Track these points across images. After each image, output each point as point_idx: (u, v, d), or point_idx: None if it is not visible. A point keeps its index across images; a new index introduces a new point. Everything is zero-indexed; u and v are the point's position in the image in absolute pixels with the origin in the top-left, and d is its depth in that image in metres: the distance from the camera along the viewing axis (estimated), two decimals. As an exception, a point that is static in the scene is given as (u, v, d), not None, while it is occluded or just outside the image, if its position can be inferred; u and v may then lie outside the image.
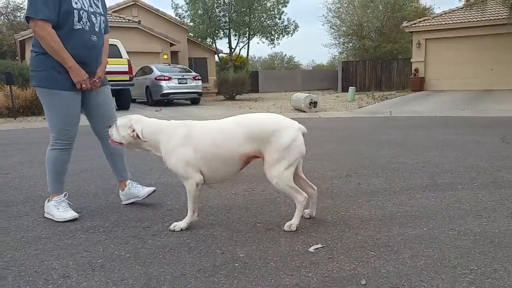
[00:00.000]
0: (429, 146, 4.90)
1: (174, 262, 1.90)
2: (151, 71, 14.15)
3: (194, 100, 14.66)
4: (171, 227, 2.32)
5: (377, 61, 20.97)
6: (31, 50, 2.56)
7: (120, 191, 2.89)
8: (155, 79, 13.63)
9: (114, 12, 18.51)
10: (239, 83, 16.40)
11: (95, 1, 2.64)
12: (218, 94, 19.94)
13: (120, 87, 11.57)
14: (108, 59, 10.34)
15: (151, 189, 2.88)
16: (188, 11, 18.40)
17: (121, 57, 11.61)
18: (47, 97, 2.52)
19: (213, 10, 18.10)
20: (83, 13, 2.50)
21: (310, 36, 65.49)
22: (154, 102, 13.73)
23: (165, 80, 13.52)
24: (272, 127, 2.20)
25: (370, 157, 4.34)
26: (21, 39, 16.49)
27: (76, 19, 2.46)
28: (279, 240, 2.15)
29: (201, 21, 17.95)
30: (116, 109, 12.08)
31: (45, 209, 2.63)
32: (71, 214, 2.53)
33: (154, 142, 2.33)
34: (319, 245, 2.06)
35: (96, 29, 2.61)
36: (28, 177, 3.74)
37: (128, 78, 11.75)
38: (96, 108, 2.73)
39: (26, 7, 2.45)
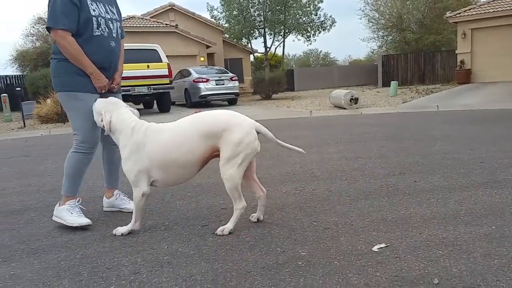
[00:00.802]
0: (485, 141, 4.67)
1: (237, 260, 1.92)
2: (189, 73, 14.42)
3: (231, 100, 14.80)
4: (114, 231, 2.38)
5: (419, 54, 20.25)
6: (51, 58, 2.63)
7: (105, 197, 2.92)
8: (193, 81, 13.87)
9: (152, 17, 19.05)
10: (275, 82, 16.37)
11: (111, 8, 2.71)
12: (254, 94, 20.03)
13: (161, 90, 11.90)
14: (149, 64, 10.64)
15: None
16: (223, 13, 18.58)
17: (161, 61, 11.91)
18: (72, 100, 2.58)
19: (248, 10, 18.17)
20: (101, 19, 2.57)
21: (346, 31, 64.41)
22: (193, 104, 13.99)
23: (203, 82, 13.73)
24: (223, 124, 2.21)
25: (422, 154, 4.20)
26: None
27: (95, 26, 2.54)
28: (339, 239, 2.12)
29: (236, 22, 18.07)
30: (157, 112, 12.56)
31: (55, 212, 2.63)
32: (86, 220, 2.53)
33: (115, 138, 2.41)
34: (383, 245, 2.01)
35: (114, 35, 2.68)
36: (86, 179, 3.91)
37: (168, 82, 12.04)
38: None
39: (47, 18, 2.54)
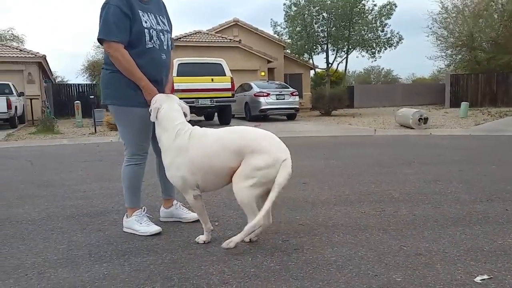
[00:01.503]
0: None
1: (327, 280, 1.85)
2: (250, 87, 14.64)
3: (291, 115, 14.79)
4: (196, 239, 2.41)
5: (492, 74, 19.08)
6: (103, 68, 2.63)
7: (162, 207, 2.91)
8: (254, 95, 14.05)
9: (217, 32, 19.72)
10: (336, 98, 16.15)
11: (161, 19, 2.65)
12: (312, 109, 19.89)
13: (223, 103, 12.20)
14: (213, 77, 10.92)
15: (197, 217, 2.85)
16: (287, 28, 18.77)
17: (225, 75, 12.24)
18: (123, 114, 2.59)
19: (312, 26, 18.22)
20: (153, 31, 2.54)
21: (410, 48, 62.18)
22: (253, 118, 14.16)
23: (263, 96, 13.86)
24: (252, 146, 2.17)
25: (509, 180, 3.87)
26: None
27: (147, 38, 2.51)
28: (435, 266, 1.97)
29: (299, 37, 18.17)
30: (218, 124, 12.85)
31: (124, 224, 2.69)
32: (155, 228, 2.58)
33: (158, 132, 2.42)
34: (486, 276, 1.84)
35: (165, 47, 2.63)
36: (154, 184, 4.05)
37: (230, 95, 12.32)
38: None
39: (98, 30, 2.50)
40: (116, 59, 2.47)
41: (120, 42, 2.45)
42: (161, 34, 2.62)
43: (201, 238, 2.40)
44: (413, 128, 9.81)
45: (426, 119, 9.82)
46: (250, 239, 2.39)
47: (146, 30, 2.51)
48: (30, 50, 17.04)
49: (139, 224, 2.63)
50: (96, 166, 5.53)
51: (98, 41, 2.52)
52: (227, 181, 2.28)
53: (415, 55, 73.95)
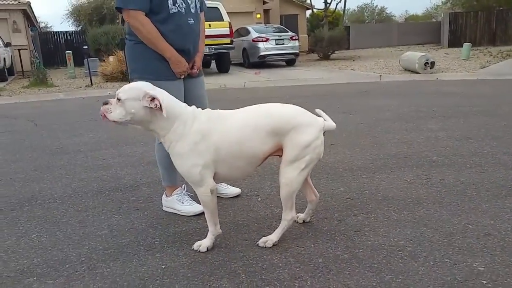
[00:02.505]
0: None
1: (406, 271, 1.75)
2: (247, 32, 13.99)
3: (290, 61, 14.32)
4: (195, 247, 2.03)
5: (491, 12, 18.46)
6: (126, 39, 2.37)
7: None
8: (253, 40, 13.47)
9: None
10: (335, 41, 15.62)
11: None
12: (308, 53, 19.29)
13: (222, 50, 11.66)
14: (210, 23, 10.17)
15: (238, 190, 2.72)
16: (282, -35, 17.59)
17: (223, 20, 11.57)
18: None
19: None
20: None
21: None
22: (251, 64, 13.69)
23: (262, 41, 13.30)
24: (293, 121, 1.91)
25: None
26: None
27: (170, 2, 2.22)
28: None
29: (296, -25, 17.08)
30: (216, 73, 12.38)
31: (164, 203, 2.55)
32: (199, 207, 2.38)
33: (165, 125, 1.90)
34: None
35: (192, 10, 2.33)
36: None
37: (229, 41, 11.75)
38: (192, 100, 2.39)
39: None
40: (136, 28, 2.21)
41: (139, 10, 2.17)
42: None
43: (204, 244, 2.02)
44: (418, 73, 9.58)
45: (432, 64, 9.56)
46: (303, 220, 2.28)
47: None
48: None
49: (180, 203, 2.49)
50: (106, 127, 5.28)
51: (117, 10, 2.24)
52: (255, 167, 2.04)
53: (409, -10, 71.08)
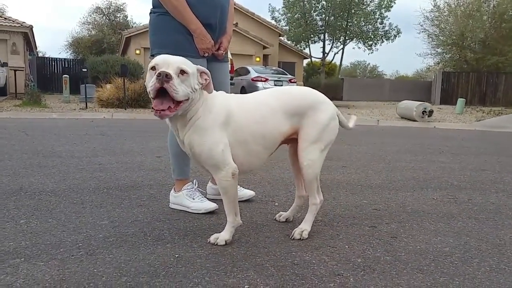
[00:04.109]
0: None
1: (462, 274, 1.51)
2: (247, 72, 14.18)
3: (286, 103, 14.43)
4: (212, 240, 1.77)
5: (482, 74, 19.25)
6: (150, 12, 2.21)
7: (210, 182, 2.52)
8: (252, 79, 13.61)
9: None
10: (331, 88, 15.96)
11: None
12: (303, 99, 19.61)
13: (221, 85, 11.71)
14: None
15: (252, 193, 2.50)
16: (285, 15, 18.31)
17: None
18: None
19: (310, 14, 17.82)
20: None
21: (397, 45, 62.51)
22: (248, 103, 13.74)
23: (261, 81, 13.45)
24: (310, 100, 1.81)
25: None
26: (127, 35, 17.52)
27: None
28: None
29: (297, 25, 17.76)
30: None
31: (172, 199, 2.29)
32: (212, 205, 2.18)
33: (193, 108, 1.66)
34: None
35: None
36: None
37: (230, 78, 11.85)
38: (214, 85, 2.29)
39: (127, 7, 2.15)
40: None
41: None
42: None
43: (222, 237, 1.76)
44: (415, 121, 9.67)
45: (430, 112, 9.68)
46: (286, 219, 2.09)
47: None
48: (16, 19, 15.93)
49: (191, 199, 2.22)
50: (101, 140, 5.03)
51: None
52: (269, 154, 1.85)
53: (401, 52, 74.76)
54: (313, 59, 20.06)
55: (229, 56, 11.24)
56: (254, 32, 18.68)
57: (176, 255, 1.63)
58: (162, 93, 1.52)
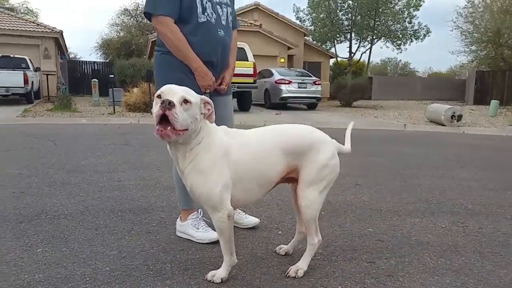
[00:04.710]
0: None
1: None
2: (271, 74, 14.22)
3: (312, 105, 14.37)
4: (209, 277, 1.83)
5: (519, 72, 18.42)
6: (155, 50, 2.29)
7: None
8: (275, 82, 13.65)
9: (236, 16, 19.13)
10: (358, 89, 15.70)
11: None
12: (329, 99, 19.43)
13: (245, 89, 11.80)
14: (236, 62, 10.11)
15: (256, 220, 2.53)
16: (310, 15, 18.18)
17: (248, 60, 11.81)
18: None
19: (336, 14, 17.61)
20: (206, 3, 2.16)
21: (429, 42, 60.70)
22: (272, 105, 13.77)
23: (285, 84, 13.46)
24: (308, 139, 1.82)
25: None
26: (153, 39, 17.93)
27: (200, 10, 2.13)
28: None
29: (323, 25, 17.60)
30: (237, 111, 12.46)
31: (178, 228, 2.37)
32: (214, 234, 2.21)
33: (195, 139, 1.69)
34: None
35: (223, 22, 2.24)
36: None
37: (252, 81, 11.93)
38: (217, 120, 2.20)
39: (144, 2, 2.17)
40: (164, 35, 2.14)
41: (169, 16, 2.10)
42: (218, 6, 2.23)
43: (219, 275, 1.82)
44: (444, 125, 9.40)
45: (459, 117, 9.38)
46: (286, 252, 2.13)
47: (198, 1, 2.14)
48: (47, 25, 16.67)
49: (195, 229, 2.31)
50: (124, 151, 5.23)
51: (145, 16, 2.19)
52: (265, 192, 1.88)
53: (435, 49, 72.39)
54: (339, 58, 19.75)
55: (251, 59, 11.21)
56: (278, 33, 18.65)
57: (173, 294, 1.71)
58: (165, 121, 1.56)
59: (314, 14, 17.76)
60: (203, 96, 1.71)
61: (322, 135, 1.89)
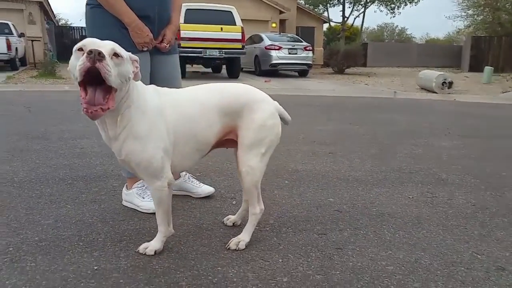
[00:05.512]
0: None
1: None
2: (260, 40, 13.75)
3: (303, 72, 13.99)
4: (141, 249, 1.69)
5: (516, 38, 17.97)
6: (86, 3, 2.04)
7: None
8: (265, 48, 13.22)
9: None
10: (351, 55, 15.26)
11: None
12: (323, 66, 19.00)
13: (232, 55, 11.40)
14: (223, 26, 9.69)
15: (211, 190, 2.38)
16: (303, -23, 17.44)
17: (235, 25, 11.35)
18: None
19: (331, -24, 16.89)
20: None
21: (426, 7, 58.87)
22: (262, 72, 13.42)
23: (275, 49, 13.03)
24: (244, 97, 1.67)
25: None
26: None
27: None
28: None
29: (316, -13, 16.90)
30: (226, 77, 12.12)
31: (124, 197, 2.23)
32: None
33: (125, 103, 1.48)
34: None
35: None
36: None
37: (240, 46, 11.48)
38: (161, 81, 2.05)
39: None
40: None
41: None
42: None
43: (152, 247, 1.68)
44: (435, 92, 9.17)
45: (450, 84, 9.14)
46: (233, 223, 1.99)
47: None
48: (30, -11, 15.95)
49: (141, 198, 2.15)
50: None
51: None
52: (202, 156, 1.72)
53: (431, 14, 70.65)
54: (333, 23, 19.14)
55: (239, 23, 10.72)
56: (271, -4, 17.95)
57: (96, 268, 1.56)
58: (90, 82, 1.32)
59: (307, -24, 17.06)
60: (130, 54, 1.48)
61: (260, 93, 1.72)
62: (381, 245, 1.81)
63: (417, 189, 2.62)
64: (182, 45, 10.24)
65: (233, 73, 12.24)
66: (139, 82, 1.57)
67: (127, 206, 2.20)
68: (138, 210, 2.14)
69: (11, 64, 12.34)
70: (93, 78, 1.31)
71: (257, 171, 1.67)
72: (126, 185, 2.24)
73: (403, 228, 2.01)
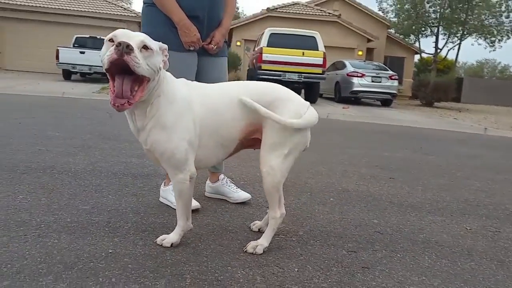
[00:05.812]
0: None
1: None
2: (343, 66, 13.55)
3: (386, 101, 13.42)
4: (158, 240, 1.67)
5: None
6: (143, 2, 2.12)
7: (208, 181, 2.40)
8: (347, 75, 12.97)
9: (316, 5, 18.67)
10: (442, 88, 14.28)
11: None
12: (411, 98, 18.06)
13: (312, 79, 11.38)
14: (305, 51, 9.61)
15: (247, 196, 2.28)
16: (394, 6, 17.00)
17: (317, 50, 11.36)
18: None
19: (423, 5, 16.23)
20: None
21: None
22: (342, 99, 13.15)
23: (357, 76, 12.71)
24: (272, 95, 1.61)
25: None
26: (231, 27, 18.23)
27: None
28: None
29: (407, 17, 16.34)
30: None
31: (161, 193, 2.25)
32: (194, 203, 2.06)
33: (155, 93, 1.50)
34: None
35: None
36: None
37: (320, 71, 11.43)
38: (207, 83, 2.02)
39: None
40: None
41: None
42: None
43: (170, 239, 1.67)
44: (536, 132, 8.10)
45: (556, 123, 8.01)
46: (259, 229, 1.89)
47: None
48: (133, 10, 17.87)
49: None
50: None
51: None
52: (228, 153, 1.68)
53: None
54: (425, 54, 18.22)
55: (322, 48, 10.68)
56: (359, 24, 17.76)
57: (110, 251, 1.59)
58: (118, 73, 1.36)
59: (398, 5, 16.54)
60: (160, 43, 1.52)
61: (287, 92, 1.65)
62: (415, 270, 1.58)
63: (479, 221, 2.28)
64: (262, 68, 10.55)
65: (311, 98, 12.17)
66: (169, 73, 1.61)
67: (162, 202, 2.24)
68: (171, 207, 2.16)
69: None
70: (123, 71, 1.35)
71: (278, 173, 1.58)
72: (164, 182, 2.29)
73: (448, 257, 1.74)
